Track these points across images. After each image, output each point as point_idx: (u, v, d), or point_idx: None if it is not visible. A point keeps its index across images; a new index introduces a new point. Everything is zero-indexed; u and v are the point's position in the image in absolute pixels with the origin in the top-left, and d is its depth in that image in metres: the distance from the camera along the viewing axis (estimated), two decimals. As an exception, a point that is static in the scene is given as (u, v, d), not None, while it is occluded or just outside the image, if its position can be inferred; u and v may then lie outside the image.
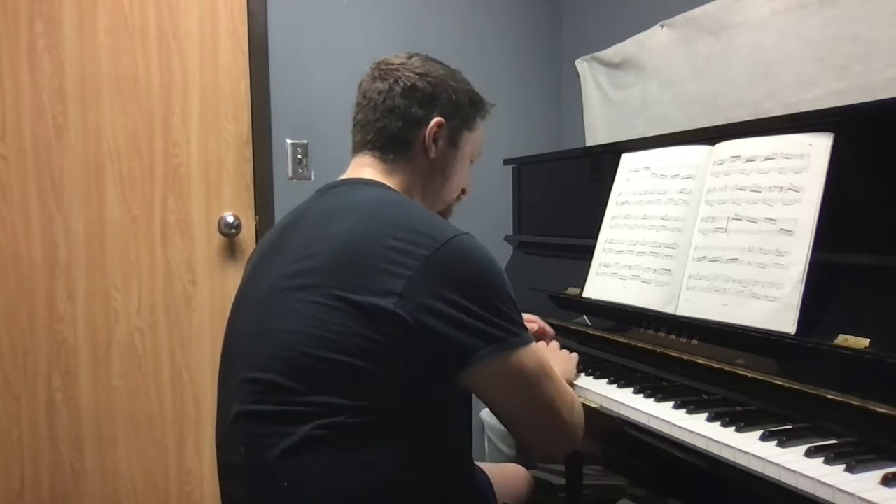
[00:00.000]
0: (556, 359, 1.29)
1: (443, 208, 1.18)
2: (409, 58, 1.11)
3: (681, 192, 1.37)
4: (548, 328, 1.45)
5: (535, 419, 0.98)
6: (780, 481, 0.87)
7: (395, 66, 1.09)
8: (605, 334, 1.44)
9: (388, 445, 0.89)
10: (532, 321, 1.44)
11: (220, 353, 1.07)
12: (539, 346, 1.00)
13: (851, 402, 0.94)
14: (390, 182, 1.07)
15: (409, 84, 1.07)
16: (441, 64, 1.13)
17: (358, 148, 1.11)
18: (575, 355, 1.34)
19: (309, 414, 0.88)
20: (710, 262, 1.24)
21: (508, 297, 0.94)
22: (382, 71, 1.10)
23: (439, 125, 1.09)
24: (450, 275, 0.89)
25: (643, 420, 1.11)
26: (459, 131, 1.13)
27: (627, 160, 1.57)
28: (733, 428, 1.00)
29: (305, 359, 0.88)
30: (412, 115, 1.07)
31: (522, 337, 0.94)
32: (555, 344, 1.38)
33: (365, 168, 1.08)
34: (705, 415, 1.06)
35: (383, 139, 1.08)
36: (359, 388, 0.88)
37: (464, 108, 1.13)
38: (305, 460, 0.88)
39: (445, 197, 1.17)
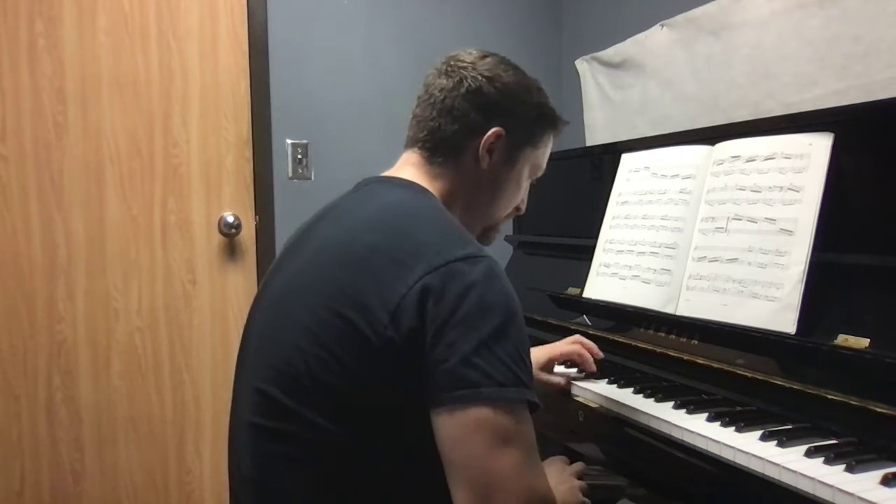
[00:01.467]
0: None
1: (489, 225, 1.08)
2: (483, 57, 1.01)
3: (681, 192, 1.37)
4: (589, 352, 1.30)
5: (482, 497, 0.77)
6: (780, 481, 0.87)
7: (465, 65, 1.00)
8: (605, 334, 1.44)
9: (390, 471, 0.84)
10: (571, 348, 1.30)
11: (219, 353, 1.06)
12: (529, 424, 0.82)
13: (851, 402, 0.94)
14: (432, 187, 0.99)
15: (474, 86, 0.98)
16: (516, 69, 1.03)
17: (408, 144, 1.04)
18: (577, 485, 1.12)
19: (306, 436, 0.83)
20: (710, 262, 1.24)
21: (509, 341, 0.80)
22: (450, 67, 1.01)
23: (497, 135, 0.99)
24: (444, 296, 0.79)
25: (643, 420, 1.11)
26: (520, 146, 1.03)
27: (627, 160, 1.57)
28: (733, 428, 1.00)
29: (302, 377, 0.83)
30: (470, 120, 0.98)
31: (507, 390, 0.78)
32: (561, 466, 1.16)
33: (408, 167, 1.01)
34: (705, 415, 1.06)
35: (435, 140, 1.00)
36: (354, 414, 0.82)
37: (529, 121, 1.03)
38: (306, 481, 0.84)
39: (493, 213, 1.07)
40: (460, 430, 0.78)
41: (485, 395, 0.77)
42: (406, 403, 0.81)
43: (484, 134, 0.99)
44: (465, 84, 0.98)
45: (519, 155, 1.03)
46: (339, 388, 0.81)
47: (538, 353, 1.27)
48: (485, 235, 1.08)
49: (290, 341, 0.86)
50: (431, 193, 0.97)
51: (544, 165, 1.10)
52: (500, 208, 1.07)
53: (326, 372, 0.82)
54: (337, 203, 1.01)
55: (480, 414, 0.77)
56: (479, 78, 0.99)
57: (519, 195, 1.09)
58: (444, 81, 1.00)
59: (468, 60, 1.01)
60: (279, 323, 0.90)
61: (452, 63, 1.01)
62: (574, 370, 1.35)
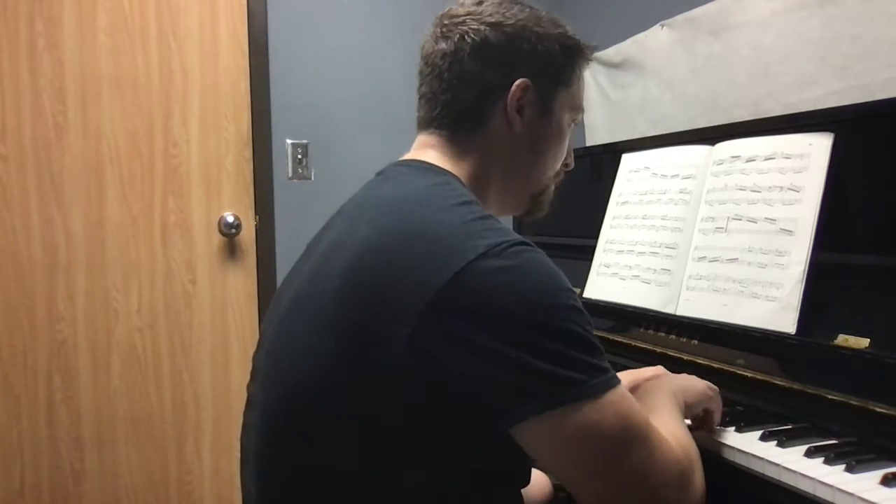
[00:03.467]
0: (673, 384, 0.95)
1: (537, 190, 0.94)
2: (479, 3, 0.87)
3: (681, 192, 1.37)
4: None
5: (617, 500, 0.70)
6: (780, 481, 0.87)
7: (461, 19, 0.86)
8: (605, 334, 1.44)
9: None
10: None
11: (219, 353, 1.04)
12: (624, 394, 0.72)
13: (851, 402, 0.94)
14: (459, 168, 0.86)
15: (478, 39, 0.84)
16: (522, 5, 0.88)
17: (422, 125, 0.90)
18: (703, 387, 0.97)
19: (311, 465, 0.75)
20: (710, 262, 1.24)
21: (565, 330, 0.69)
22: (445, 27, 0.87)
23: (524, 88, 0.85)
24: (474, 307, 0.67)
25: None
26: (552, 91, 0.88)
27: (628, 160, 1.57)
28: (733, 428, 0.99)
29: (307, 410, 0.74)
30: (487, 80, 0.84)
31: (588, 385, 0.68)
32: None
33: (428, 150, 0.87)
34: (705, 415, 1.06)
35: (453, 114, 0.86)
36: (362, 443, 0.72)
37: (555, 59, 0.87)
38: None
39: (539, 177, 0.93)
40: (561, 445, 0.69)
41: (566, 400, 0.67)
42: (420, 434, 0.71)
43: (507, 91, 0.85)
44: (469, 40, 0.84)
45: (553, 102, 0.88)
46: (345, 416, 0.72)
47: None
48: (536, 204, 0.96)
49: (297, 368, 0.76)
50: (454, 177, 0.84)
51: (583, 104, 0.95)
52: (548, 168, 0.93)
53: (331, 403, 0.72)
54: (355, 196, 0.89)
55: (574, 423, 0.67)
56: (483, 28, 0.84)
57: (564, 147, 0.94)
58: (444, 45, 0.86)
59: (463, 12, 0.86)
60: (284, 346, 0.81)
61: (446, 22, 0.87)
62: None
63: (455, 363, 0.67)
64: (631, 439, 0.70)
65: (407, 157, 0.89)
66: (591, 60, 0.93)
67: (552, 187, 0.96)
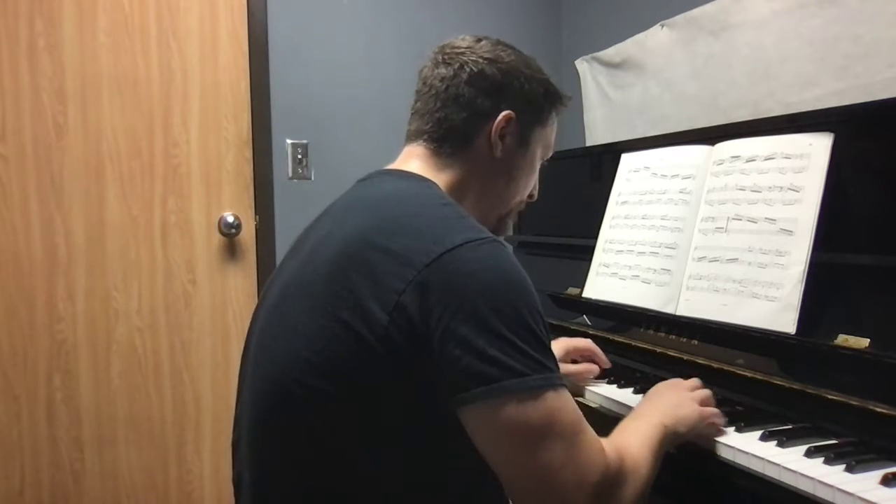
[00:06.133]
0: (664, 401, 0.99)
1: (504, 213, 1.04)
2: (477, 41, 0.98)
3: (681, 192, 1.37)
4: (598, 360, 1.28)
5: (533, 493, 0.76)
6: (780, 481, 0.87)
7: (461, 50, 0.96)
8: (605, 334, 1.44)
9: (390, 481, 0.80)
10: (587, 344, 1.28)
11: (219, 353, 1.05)
12: (564, 395, 0.77)
13: (851, 402, 0.94)
14: (439, 178, 0.94)
15: (476, 70, 0.94)
16: (513, 49, 0.99)
17: (411, 137, 0.99)
18: (698, 394, 1.02)
19: (305, 446, 0.80)
20: (710, 262, 1.24)
21: (523, 326, 0.75)
22: (447, 55, 0.97)
23: (508, 119, 0.95)
24: (447, 290, 0.74)
25: (643, 420, 1.11)
26: (531, 127, 0.99)
27: (627, 160, 1.57)
28: (733, 428, 0.99)
29: (298, 385, 0.79)
30: (478, 106, 0.94)
31: (531, 379, 0.74)
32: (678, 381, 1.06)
33: (413, 160, 0.97)
34: (705, 415, 1.06)
35: (442, 130, 0.95)
36: (353, 422, 0.78)
37: (537, 99, 0.99)
38: (305, 493, 0.81)
39: (508, 200, 1.03)
40: (492, 431, 0.75)
41: (508, 390, 0.73)
42: (407, 408, 0.78)
43: (494, 119, 0.95)
44: (467, 69, 0.95)
45: (531, 136, 1.00)
46: (336, 395, 0.78)
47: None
48: (501, 224, 1.05)
49: (286, 348, 0.82)
50: (434, 183, 0.92)
51: (553, 144, 1.06)
52: (516, 194, 1.03)
53: (322, 378, 0.78)
54: (340, 198, 0.97)
55: (509, 412, 0.73)
56: (480, 61, 0.95)
57: (533, 179, 1.05)
58: (444, 70, 0.96)
59: (464, 46, 0.97)
60: (275, 329, 0.86)
61: (448, 51, 0.97)
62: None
63: (429, 336, 0.74)
64: (553, 436, 0.74)
65: (390, 166, 0.98)
66: (566, 108, 1.05)
67: (515, 212, 1.07)
